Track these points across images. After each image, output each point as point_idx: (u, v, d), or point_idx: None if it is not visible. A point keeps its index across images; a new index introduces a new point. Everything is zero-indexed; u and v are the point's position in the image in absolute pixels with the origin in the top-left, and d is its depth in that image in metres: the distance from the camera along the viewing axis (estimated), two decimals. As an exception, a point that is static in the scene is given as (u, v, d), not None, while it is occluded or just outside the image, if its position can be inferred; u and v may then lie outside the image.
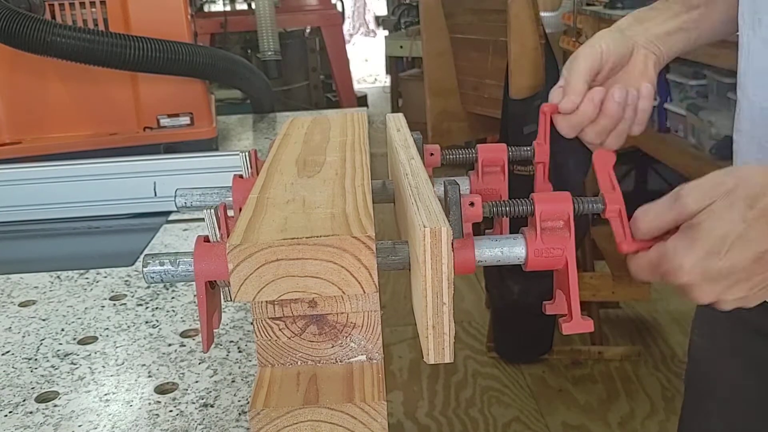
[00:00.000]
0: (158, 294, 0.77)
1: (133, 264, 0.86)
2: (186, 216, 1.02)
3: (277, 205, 0.44)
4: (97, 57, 1.11)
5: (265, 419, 0.41)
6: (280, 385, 0.43)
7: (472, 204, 0.46)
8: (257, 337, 0.44)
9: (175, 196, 0.63)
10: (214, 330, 0.48)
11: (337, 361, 0.45)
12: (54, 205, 1.03)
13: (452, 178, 0.49)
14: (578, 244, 2.02)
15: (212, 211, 0.48)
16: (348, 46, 4.55)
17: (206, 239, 0.48)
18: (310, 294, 0.38)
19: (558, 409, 1.97)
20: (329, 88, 4.18)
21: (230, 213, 0.50)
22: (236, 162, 1.06)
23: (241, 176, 0.63)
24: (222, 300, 0.49)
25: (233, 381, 0.59)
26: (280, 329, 0.44)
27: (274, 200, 0.45)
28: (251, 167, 0.62)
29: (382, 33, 6.31)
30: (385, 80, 6.36)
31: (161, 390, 0.59)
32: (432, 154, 0.63)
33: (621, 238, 0.48)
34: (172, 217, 1.02)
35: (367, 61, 7.28)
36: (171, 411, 0.56)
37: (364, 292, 0.38)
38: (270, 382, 0.43)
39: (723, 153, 2.37)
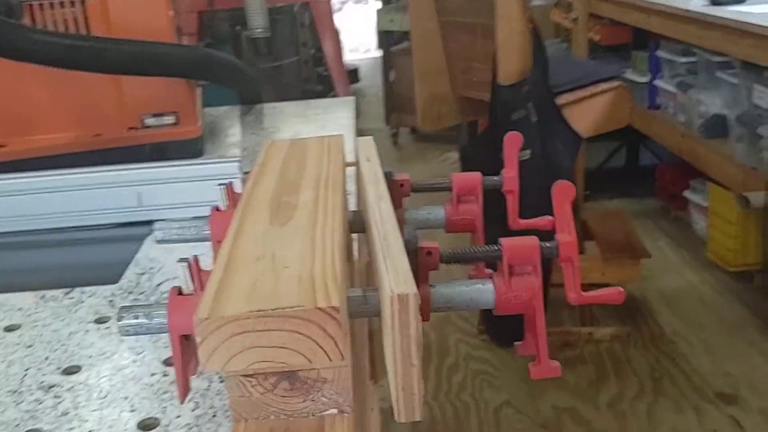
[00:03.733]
0: (142, 316, 0.78)
1: (117, 282, 0.86)
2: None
3: (246, 263, 0.44)
4: (75, 62, 1.11)
5: (238, 481, 0.41)
6: (252, 446, 0.43)
7: (429, 253, 0.47)
8: (230, 392, 0.45)
9: (154, 230, 0.64)
10: (191, 376, 0.49)
11: (309, 415, 0.45)
12: (36, 216, 1.03)
13: (413, 229, 0.49)
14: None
15: (186, 264, 0.48)
16: (339, 15, 4.50)
17: (180, 292, 0.48)
18: (278, 364, 0.39)
19: (548, 392, 2.00)
20: (319, 62, 4.15)
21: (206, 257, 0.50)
22: (221, 170, 1.06)
23: (218, 208, 0.63)
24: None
25: (214, 415, 0.60)
26: (252, 386, 0.44)
27: (244, 257, 0.45)
28: (228, 200, 0.63)
29: (374, 2, 6.23)
30: (377, 52, 6.32)
31: (144, 425, 0.60)
32: (402, 185, 0.63)
33: (570, 287, 0.49)
34: (157, 226, 1.02)
35: (357, 32, 7.21)
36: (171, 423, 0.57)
37: (331, 361, 0.39)
38: (243, 440, 0.44)
39: (711, 131, 2.37)
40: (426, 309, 0.48)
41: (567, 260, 0.48)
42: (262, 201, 0.55)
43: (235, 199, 0.62)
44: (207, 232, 0.62)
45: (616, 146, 3.30)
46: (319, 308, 0.38)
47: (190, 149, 1.34)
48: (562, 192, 0.49)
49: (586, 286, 1.52)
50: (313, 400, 0.45)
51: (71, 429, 0.60)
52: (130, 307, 0.49)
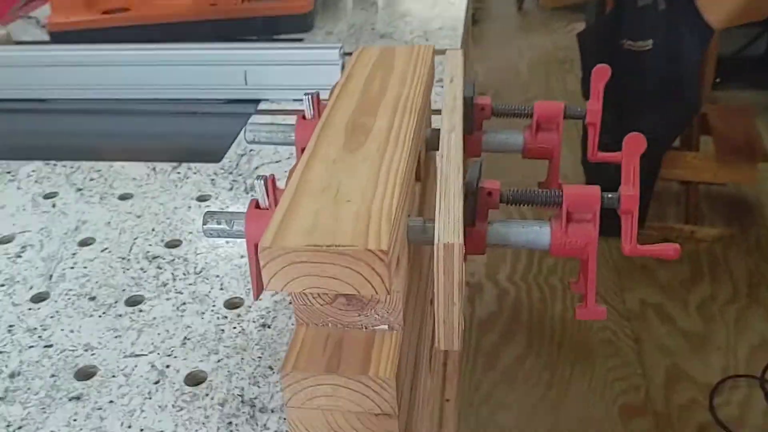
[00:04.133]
0: (238, 198, 0.85)
1: (219, 161, 0.93)
2: (274, 106, 1.08)
3: (312, 194, 0.48)
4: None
5: (293, 379, 0.48)
6: (309, 348, 0.49)
7: (489, 193, 0.49)
8: (294, 301, 0.51)
9: (245, 131, 0.68)
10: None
11: (363, 328, 0.51)
12: (149, 86, 1.10)
13: (479, 162, 0.51)
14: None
15: (262, 181, 0.53)
16: None
17: (257, 205, 0.53)
18: (330, 291, 0.44)
19: (638, 286, 2.01)
20: None
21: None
22: (322, 56, 1.09)
23: (304, 116, 0.67)
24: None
25: (289, 303, 0.67)
26: (313, 297, 0.50)
27: (311, 186, 0.49)
28: (313, 109, 0.66)
29: None
30: None
31: (229, 304, 0.68)
32: (483, 109, 0.64)
33: (626, 238, 0.50)
34: (261, 106, 1.08)
35: None
36: (235, 328, 0.65)
37: (377, 293, 0.43)
38: (302, 344, 0.50)
39: None
40: (481, 245, 0.51)
41: (627, 212, 0.49)
42: (339, 121, 0.58)
43: (320, 109, 0.65)
44: (293, 137, 0.66)
45: (757, 33, 3.03)
46: (369, 250, 0.42)
47: (300, 24, 1.37)
48: (633, 144, 0.49)
49: (695, 185, 1.49)
50: (366, 316, 0.50)
51: (168, 299, 0.69)
52: (214, 213, 0.55)
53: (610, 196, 0.49)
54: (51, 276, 0.73)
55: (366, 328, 0.51)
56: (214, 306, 0.68)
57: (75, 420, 0.57)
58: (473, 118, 0.63)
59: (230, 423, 0.55)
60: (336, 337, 0.50)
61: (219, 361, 0.61)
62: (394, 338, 0.50)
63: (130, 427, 0.56)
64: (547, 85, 3.05)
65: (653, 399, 1.64)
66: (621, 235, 0.51)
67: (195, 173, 0.91)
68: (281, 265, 0.43)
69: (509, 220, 0.51)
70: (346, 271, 0.43)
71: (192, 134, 1.07)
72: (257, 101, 1.09)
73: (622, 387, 1.67)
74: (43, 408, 0.58)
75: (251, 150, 0.96)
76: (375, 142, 0.54)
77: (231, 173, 0.91)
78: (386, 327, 0.50)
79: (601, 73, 0.61)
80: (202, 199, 0.86)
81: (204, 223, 0.55)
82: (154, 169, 0.92)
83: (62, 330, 0.66)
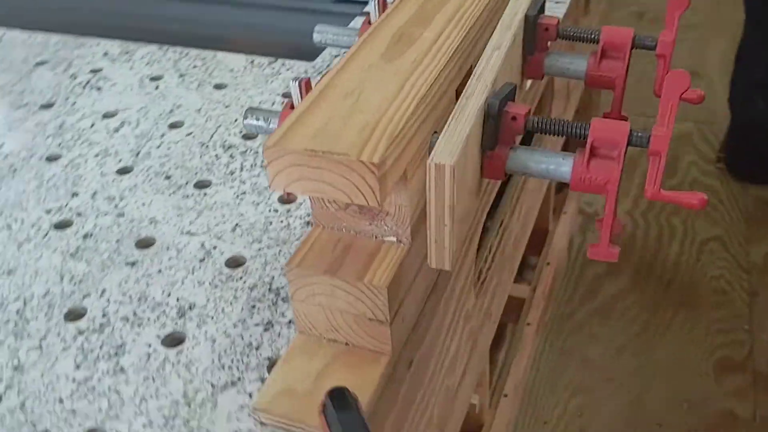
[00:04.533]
0: (319, 98, 0.87)
1: (313, 60, 0.95)
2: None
3: (333, 99, 0.49)
4: None
5: (296, 275, 0.51)
6: (319, 248, 0.52)
7: (514, 118, 0.47)
8: (312, 203, 0.53)
9: (314, 32, 0.69)
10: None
11: (373, 237, 0.52)
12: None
13: (512, 84, 0.49)
14: None
15: (297, 83, 0.54)
16: None
17: (291, 105, 0.55)
18: (328, 196, 0.45)
19: (766, 239, 1.86)
20: None
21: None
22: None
23: (369, 21, 0.67)
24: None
25: (337, 206, 0.69)
26: (329, 201, 0.52)
27: (336, 91, 0.50)
28: (379, 12, 0.65)
29: None
30: None
31: (282, 199, 0.71)
32: (547, 29, 0.60)
33: (651, 180, 0.47)
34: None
35: None
36: (282, 222, 0.68)
37: (368, 204, 0.44)
38: (313, 244, 0.52)
39: None
40: (500, 169, 0.50)
41: (655, 154, 0.46)
42: (389, 29, 0.57)
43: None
44: (355, 39, 0.66)
45: None
46: (361, 161, 0.42)
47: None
48: (676, 82, 0.46)
49: None
50: (377, 225, 0.52)
51: (231, 187, 0.73)
52: (255, 109, 0.57)
53: (639, 134, 0.46)
54: (138, 153, 0.80)
55: (376, 237, 0.52)
56: (269, 200, 0.71)
57: (126, 282, 0.63)
58: (535, 38, 0.60)
59: (253, 306, 0.60)
60: (346, 242, 0.52)
61: (260, 249, 0.65)
62: (399, 251, 0.51)
63: (169, 295, 0.61)
64: (717, 9, 2.78)
65: (756, 358, 1.55)
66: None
67: (288, 70, 0.94)
68: (283, 166, 0.45)
69: (533, 148, 0.50)
70: (340, 179, 0.44)
71: (296, 31, 1.09)
72: (365, 3, 1.09)
73: (724, 340, 1.59)
74: (103, 268, 0.65)
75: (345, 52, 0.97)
76: (414, 53, 0.54)
77: (320, 73, 0.93)
78: (394, 239, 0.52)
79: (679, 2, 0.56)
80: (286, 95, 0.88)
81: (245, 118, 0.57)
82: (252, 62, 0.96)
83: (135, 202, 0.72)
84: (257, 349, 0.56)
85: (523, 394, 1.43)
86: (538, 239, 1.60)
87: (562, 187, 1.80)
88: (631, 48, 0.59)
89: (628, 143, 0.46)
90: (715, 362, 1.53)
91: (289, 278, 0.51)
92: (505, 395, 1.27)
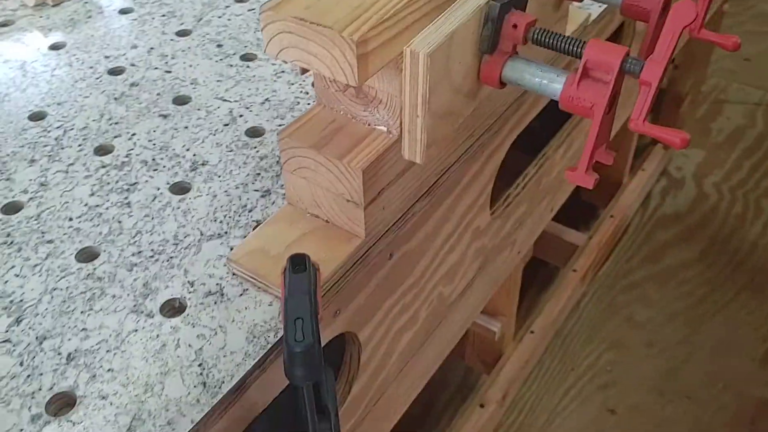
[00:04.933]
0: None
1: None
2: None
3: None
4: None
5: (287, 145, 0.53)
6: (313, 124, 0.54)
7: (515, 26, 0.47)
8: (315, 83, 0.54)
9: None
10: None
11: (366, 124, 0.53)
12: None
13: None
14: None
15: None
16: None
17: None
18: (313, 68, 0.47)
19: None
20: None
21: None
22: None
23: None
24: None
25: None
26: (330, 81, 0.53)
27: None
28: None
29: None
30: None
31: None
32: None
33: (637, 112, 0.45)
34: None
35: None
36: (309, 104, 0.71)
37: (347, 81, 0.45)
38: (308, 119, 0.54)
39: None
40: (495, 75, 0.49)
41: (645, 84, 0.44)
42: None
43: None
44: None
45: None
46: (342, 36, 0.44)
47: None
48: (681, 15, 0.43)
49: None
50: (370, 112, 0.53)
51: (273, 64, 0.76)
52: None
53: (634, 61, 0.45)
54: (201, 19, 0.83)
55: (368, 124, 0.53)
56: (303, 82, 0.73)
57: (154, 131, 0.68)
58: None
59: (258, 174, 0.63)
60: (339, 123, 0.54)
61: (280, 125, 0.68)
62: (386, 141, 0.52)
63: (188, 150, 0.66)
64: None
65: (813, 357, 1.47)
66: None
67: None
68: (276, 31, 0.47)
69: (531, 60, 0.49)
70: (324, 51, 0.45)
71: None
72: None
73: (784, 332, 1.52)
74: (139, 115, 0.70)
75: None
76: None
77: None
78: (385, 129, 0.53)
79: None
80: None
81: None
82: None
83: (184, 63, 0.76)
84: (250, 211, 0.59)
85: (554, 337, 1.43)
86: (609, 191, 1.56)
87: (648, 143, 1.73)
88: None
89: (621, 69, 0.45)
90: (766, 351, 1.47)
91: (281, 147, 0.54)
92: (532, 332, 1.28)
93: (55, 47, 0.80)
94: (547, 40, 0.47)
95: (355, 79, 0.45)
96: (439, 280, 0.71)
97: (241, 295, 0.52)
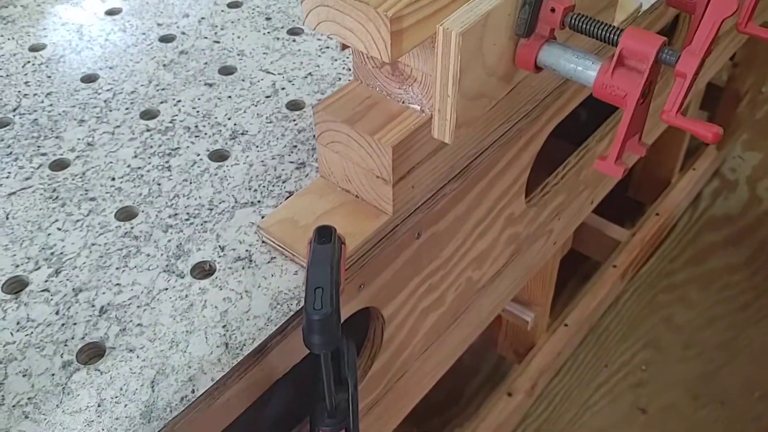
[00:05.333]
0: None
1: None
2: None
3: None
4: None
5: (321, 118, 0.54)
6: (348, 99, 0.54)
7: (553, 10, 0.47)
8: (354, 59, 0.55)
9: None
10: None
11: (401, 102, 0.54)
12: None
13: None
14: None
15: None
16: None
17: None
18: (349, 42, 0.47)
19: None
20: None
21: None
22: None
23: None
24: None
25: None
26: (367, 57, 0.54)
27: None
28: None
29: None
30: None
31: (361, 61, 0.74)
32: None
33: (671, 102, 0.44)
34: None
35: None
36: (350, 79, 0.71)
37: (380, 57, 0.46)
38: (345, 94, 0.55)
39: None
40: (531, 59, 0.49)
41: (680, 75, 0.44)
42: None
43: None
44: None
45: None
46: (377, 11, 0.44)
47: None
48: (721, 6, 0.43)
49: None
50: (405, 90, 0.53)
51: (319, 39, 0.77)
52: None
53: (670, 51, 0.44)
54: (252, -9, 0.85)
55: (403, 102, 0.54)
56: (347, 59, 0.74)
57: (199, 99, 0.69)
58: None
59: (295, 146, 0.64)
60: (374, 100, 0.55)
61: (320, 99, 0.69)
62: (419, 119, 0.53)
63: (229, 119, 0.67)
64: None
65: None
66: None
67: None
68: (314, 4, 0.48)
69: (568, 46, 0.49)
70: (359, 26, 0.46)
71: None
72: None
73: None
74: (185, 83, 0.71)
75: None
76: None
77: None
78: (418, 108, 0.53)
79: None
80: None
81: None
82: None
83: (233, 34, 0.78)
84: (284, 182, 0.61)
85: (589, 331, 1.41)
86: (657, 188, 1.53)
87: (700, 144, 1.69)
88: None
89: (657, 58, 0.44)
90: (802, 366, 1.44)
91: (315, 120, 0.55)
92: (566, 325, 1.27)
93: (111, 12, 0.82)
94: (584, 26, 0.47)
95: (388, 56, 0.46)
96: (469, 264, 0.72)
97: (268, 262, 0.54)
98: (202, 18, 0.80)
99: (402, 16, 0.44)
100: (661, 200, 1.50)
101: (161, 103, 0.69)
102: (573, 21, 0.48)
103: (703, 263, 1.62)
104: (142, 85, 0.71)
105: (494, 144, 0.64)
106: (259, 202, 0.59)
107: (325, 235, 0.48)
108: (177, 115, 0.68)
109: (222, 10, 0.82)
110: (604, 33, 0.46)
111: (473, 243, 0.70)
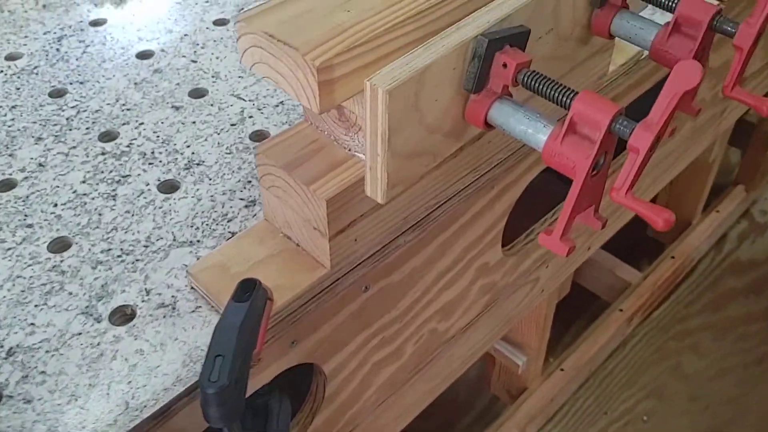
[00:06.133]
0: None
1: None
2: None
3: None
4: None
5: (261, 160, 0.50)
6: (293, 141, 0.51)
7: (505, 65, 0.42)
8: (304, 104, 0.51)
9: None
10: None
11: (346, 149, 0.50)
12: None
13: (524, 28, 0.44)
14: None
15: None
16: None
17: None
18: (282, 87, 0.43)
19: None
20: None
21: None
22: None
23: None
24: None
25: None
26: (315, 101, 0.50)
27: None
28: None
29: None
30: None
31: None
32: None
33: (621, 181, 0.39)
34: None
35: None
36: (321, 112, 0.68)
37: (309, 106, 0.42)
38: (290, 136, 0.51)
39: None
40: (480, 117, 0.45)
41: (633, 151, 0.39)
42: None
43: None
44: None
45: None
46: (305, 59, 0.40)
47: None
48: (683, 77, 0.38)
49: None
50: (351, 138, 0.50)
51: None
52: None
53: (624, 123, 0.39)
54: (243, 8, 0.81)
55: (349, 150, 0.50)
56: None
57: (162, 122, 0.66)
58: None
59: (249, 182, 0.61)
60: (320, 144, 0.51)
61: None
62: (361, 170, 0.49)
63: (188, 146, 0.64)
64: None
65: None
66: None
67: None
68: (249, 44, 0.44)
69: (520, 105, 0.44)
70: (290, 72, 0.42)
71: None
72: None
73: None
74: (152, 104, 0.69)
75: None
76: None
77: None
78: (363, 156, 0.49)
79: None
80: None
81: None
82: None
83: (212, 54, 0.75)
84: (229, 221, 0.57)
85: (590, 376, 1.35)
86: (678, 229, 1.46)
87: (729, 182, 1.61)
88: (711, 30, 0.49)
89: (610, 129, 0.39)
90: (822, 430, 1.35)
91: (257, 162, 0.51)
92: (562, 369, 1.21)
93: (95, 23, 0.80)
94: (536, 84, 0.43)
95: (317, 106, 0.42)
96: (432, 315, 0.67)
97: (192, 311, 0.50)
98: (185, 35, 0.78)
99: (332, 65, 0.41)
100: (678, 243, 1.43)
101: (123, 124, 0.67)
102: (525, 79, 0.43)
103: (721, 310, 1.54)
104: (108, 104, 0.69)
105: (459, 194, 0.59)
106: (198, 241, 0.56)
107: (247, 289, 0.45)
108: (136, 139, 0.65)
109: (207, 27, 0.79)
110: (556, 95, 0.42)
111: (437, 294, 0.66)
